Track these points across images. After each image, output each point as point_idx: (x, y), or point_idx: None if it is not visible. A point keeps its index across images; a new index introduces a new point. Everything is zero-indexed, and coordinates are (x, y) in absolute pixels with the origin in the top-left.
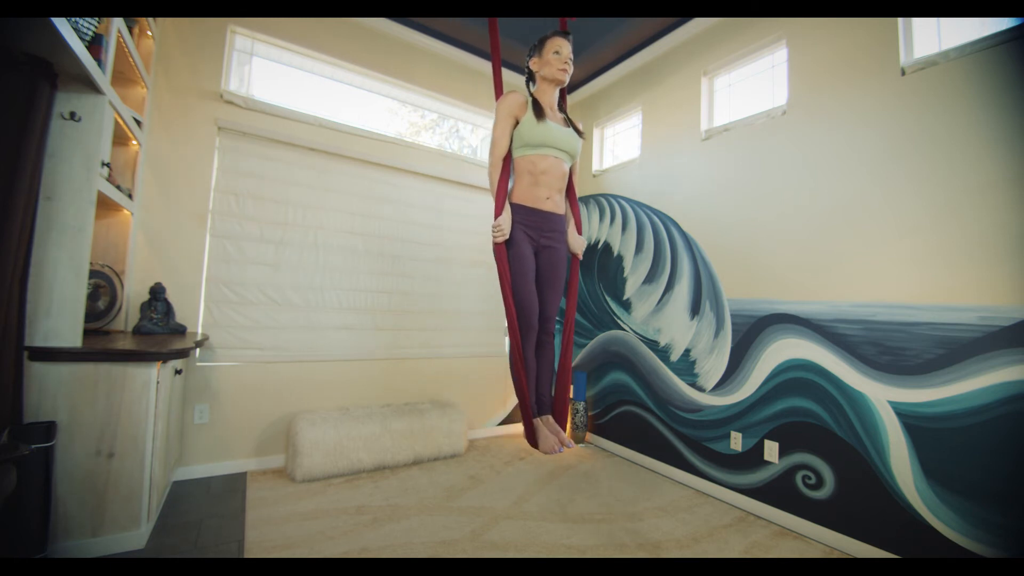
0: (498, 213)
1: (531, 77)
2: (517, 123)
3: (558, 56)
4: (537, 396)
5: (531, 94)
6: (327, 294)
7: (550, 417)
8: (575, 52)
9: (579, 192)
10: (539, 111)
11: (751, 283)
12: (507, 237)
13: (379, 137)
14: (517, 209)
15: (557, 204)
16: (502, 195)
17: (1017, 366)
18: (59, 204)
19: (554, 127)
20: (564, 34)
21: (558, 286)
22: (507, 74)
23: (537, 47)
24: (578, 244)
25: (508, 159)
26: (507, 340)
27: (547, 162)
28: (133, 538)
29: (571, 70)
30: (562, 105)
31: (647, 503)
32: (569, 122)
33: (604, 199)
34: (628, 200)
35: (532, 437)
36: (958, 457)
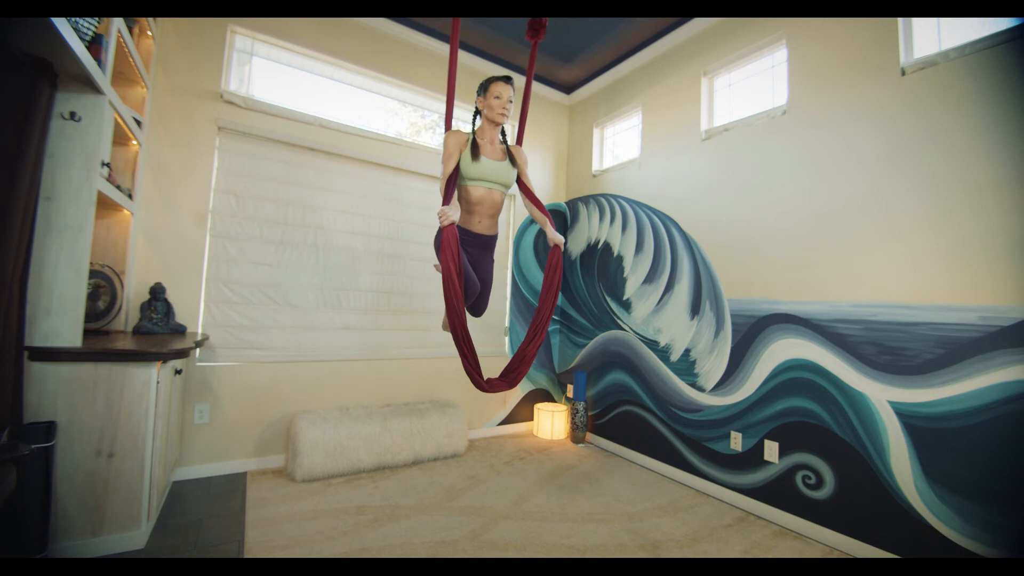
0: (446, 204)
1: (478, 112)
2: (461, 154)
3: (498, 100)
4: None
5: (473, 132)
6: (327, 294)
7: None
8: (574, 54)
9: (579, 192)
10: (475, 151)
11: (751, 283)
12: (453, 222)
13: (379, 137)
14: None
15: (487, 227)
16: (450, 194)
17: (1017, 366)
18: (59, 204)
19: (487, 163)
20: (506, 79)
21: (488, 280)
22: (498, 68)
23: (483, 88)
24: (556, 238)
25: (456, 174)
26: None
27: (479, 192)
28: (133, 538)
29: (510, 113)
30: (519, 132)
31: (647, 503)
32: (508, 153)
33: (604, 199)
34: (628, 200)
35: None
36: (958, 457)
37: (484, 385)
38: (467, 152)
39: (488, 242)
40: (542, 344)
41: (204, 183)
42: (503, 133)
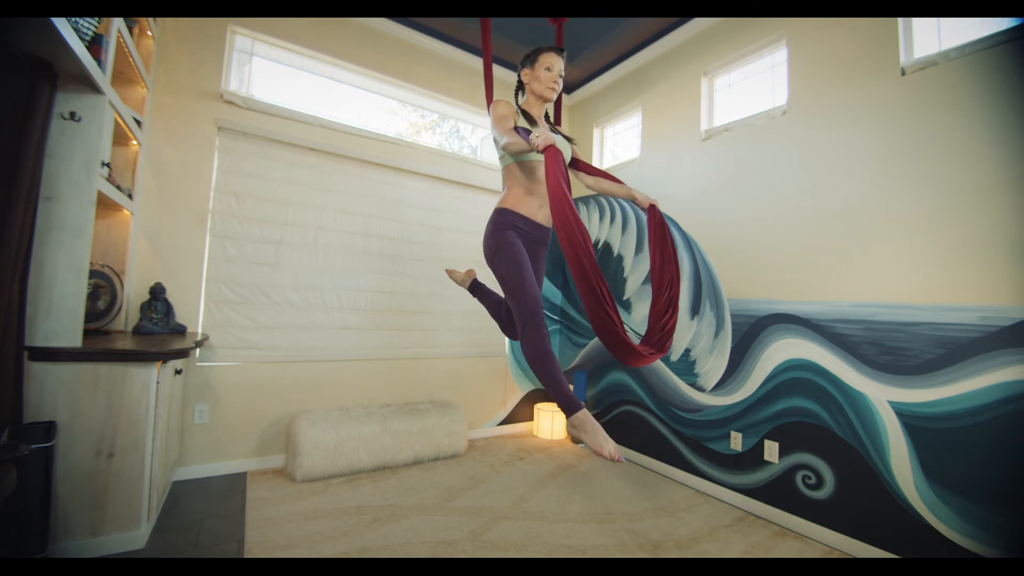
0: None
1: (521, 87)
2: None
3: (549, 73)
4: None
5: (519, 106)
6: (327, 294)
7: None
8: (574, 53)
9: (579, 192)
10: (530, 118)
11: (751, 283)
12: (551, 142)
13: (379, 137)
14: (510, 215)
15: (547, 217)
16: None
17: (1017, 366)
18: (59, 204)
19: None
20: (559, 50)
21: (540, 280)
22: (501, 71)
23: (530, 58)
24: (649, 199)
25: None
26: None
27: (543, 170)
28: (133, 538)
29: (560, 88)
30: (556, 115)
31: (647, 503)
32: (556, 131)
33: (604, 199)
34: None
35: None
36: (958, 457)
37: (640, 354)
38: (521, 122)
39: (547, 235)
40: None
41: (204, 183)
42: (547, 114)
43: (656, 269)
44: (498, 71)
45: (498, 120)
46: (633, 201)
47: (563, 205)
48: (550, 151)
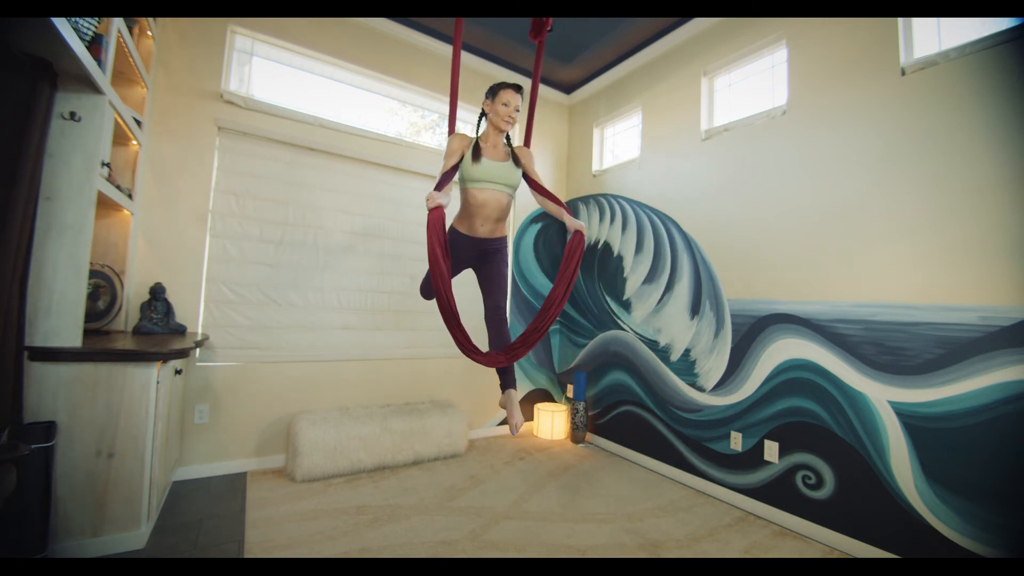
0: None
1: (484, 114)
2: (463, 157)
3: (505, 108)
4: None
5: (476, 137)
6: (327, 294)
7: (512, 391)
8: (574, 53)
9: (579, 192)
10: (476, 153)
11: (751, 283)
12: (440, 205)
13: (379, 137)
14: (454, 233)
15: (492, 231)
16: (443, 183)
17: (1017, 366)
18: (59, 204)
19: (490, 164)
20: (517, 88)
21: (501, 285)
22: (497, 68)
23: (493, 91)
24: (575, 224)
25: (453, 171)
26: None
27: (484, 195)
28: (133, 538)
29: (515, 121)
30: (527, 135)
31: (647, 503)
32: (512, 155)
33: (604, 199)
34: (628, 200)
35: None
36: (958, 457)
37: (480, 357)
38: (468, 154)
39: (495, 245)
40: (542, 340)
41: (204, 183)
42: (507, 137)
43: (554, 286)
44: (492, 68)
45: (445, 155)
46: (562, 220)
47: (433, 265)
48: (430, 216)
